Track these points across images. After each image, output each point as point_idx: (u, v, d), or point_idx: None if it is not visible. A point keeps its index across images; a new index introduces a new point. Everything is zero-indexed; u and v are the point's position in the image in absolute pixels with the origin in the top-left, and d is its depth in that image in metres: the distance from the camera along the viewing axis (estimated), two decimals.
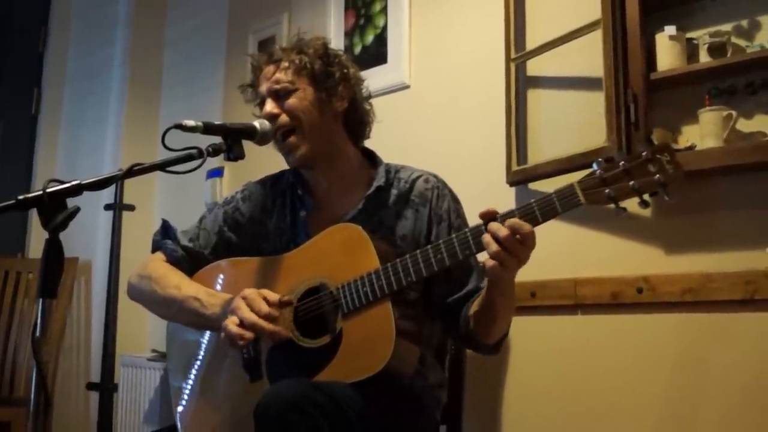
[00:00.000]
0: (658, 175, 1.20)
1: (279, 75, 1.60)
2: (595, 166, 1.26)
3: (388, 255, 1.46)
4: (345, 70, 1.64)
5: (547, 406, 2.05)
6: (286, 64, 1.60)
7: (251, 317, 1.42)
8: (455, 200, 1.67)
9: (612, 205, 1.25)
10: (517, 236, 1.28)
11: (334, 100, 1.62)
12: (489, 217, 1.32)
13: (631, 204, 1.94)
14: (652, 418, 1.86)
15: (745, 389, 1.73)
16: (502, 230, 1.28)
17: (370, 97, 1.72)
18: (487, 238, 1.30)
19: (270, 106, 1.58)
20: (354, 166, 1.68)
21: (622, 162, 1.23)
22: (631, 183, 1.22)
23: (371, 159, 1.72)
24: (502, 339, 1.56)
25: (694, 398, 1.81)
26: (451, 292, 1.57)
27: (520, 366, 2.13)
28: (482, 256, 1.36)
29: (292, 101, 1.58)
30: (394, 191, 1.65)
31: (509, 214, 1.31)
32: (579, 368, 2.01)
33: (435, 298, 1.60)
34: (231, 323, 1.43)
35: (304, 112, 1.58)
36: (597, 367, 1.98)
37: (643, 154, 1.22)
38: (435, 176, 1.69)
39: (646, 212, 1.93)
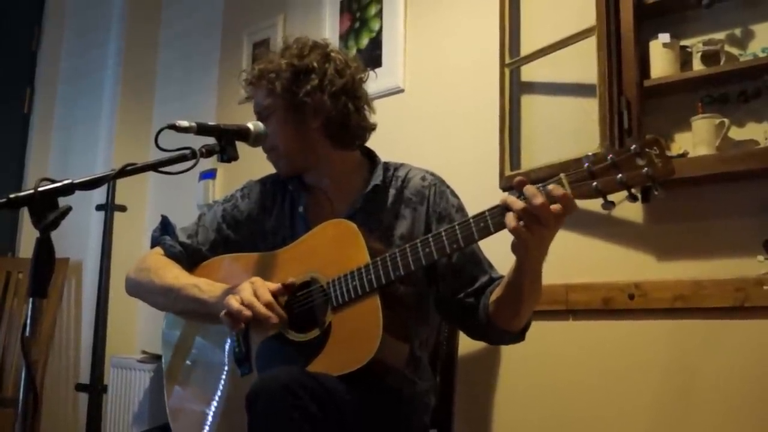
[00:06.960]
0: (646, 169, 1.19)
1: (257, 98, 1.66)
2: (585, 160, 1.25)
3: (380, 252, 1.46)
4: (315, 83, 1.59)
5: (538, 411, 2.05)
6: (261, 86, 1.63)
7: (252, 299, 1.43)
8: (455, 195, 1.66)
9: (601, 199, 1.24)
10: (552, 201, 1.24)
11: (308, 117, 1.61)
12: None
13: (624, 210, 1.97)
14: (643, 424, 1.87)
15: (735, 396, 1.74)
16: (538, 197, 1.24)
17: (359, 97, 1.65)
18: (509, 217, 1.28)
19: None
20: (349, 168, 1.68)
21: (611, 156, 1.22)
22: (619, 176, 1.20)
23: (371, 158, 1.72)
24: (527, 326, 1.52)
25: (685, 405, 1.81)
26: (462, 287, 1.55)
27: (511, 371, 2.13)
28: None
29: (269, 125, 1.60)
30: (392, 190, 1.65)
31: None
32: (570, 374, 2.01)
33: (445, 296, 1.58)
34: (234, 299, 1.44)
35: (278, 135, 1.62)
36: (588, 373, 1.98)
37: (632, 147, 1.21)
38: (432, 174, 1.68)
39: (638, 219, 1.94)
